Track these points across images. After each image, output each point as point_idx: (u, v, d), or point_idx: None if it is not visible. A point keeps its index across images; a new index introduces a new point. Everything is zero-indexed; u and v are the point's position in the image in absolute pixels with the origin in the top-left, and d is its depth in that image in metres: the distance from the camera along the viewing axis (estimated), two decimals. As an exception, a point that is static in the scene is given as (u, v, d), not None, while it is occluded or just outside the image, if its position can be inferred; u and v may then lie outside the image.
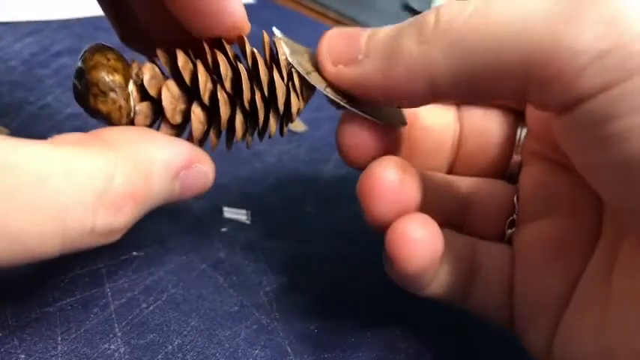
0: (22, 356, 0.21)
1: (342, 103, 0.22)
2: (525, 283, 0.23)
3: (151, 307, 0.24)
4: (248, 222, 0.31)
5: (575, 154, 0.19)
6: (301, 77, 0.22)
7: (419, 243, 0.20)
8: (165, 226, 0.29)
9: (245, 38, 0.23)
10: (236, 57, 0.22)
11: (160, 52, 0.22)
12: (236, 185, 0.33)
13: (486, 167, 0.27)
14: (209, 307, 0.25)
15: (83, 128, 0.34)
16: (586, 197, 0.22)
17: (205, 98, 0.21)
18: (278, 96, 0.22)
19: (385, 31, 0.21)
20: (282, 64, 0.22)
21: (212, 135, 0.23)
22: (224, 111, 0.22)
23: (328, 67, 0.22)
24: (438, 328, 0.27)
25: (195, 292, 0.26)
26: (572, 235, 0.23)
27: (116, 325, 0.23)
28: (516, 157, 0.26)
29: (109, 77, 0.20)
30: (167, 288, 0.25)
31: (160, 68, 0.22)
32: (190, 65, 0.22)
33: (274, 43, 0.23)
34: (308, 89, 0.23)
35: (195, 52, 0.22)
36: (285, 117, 0.23)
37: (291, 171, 0.36)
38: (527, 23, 0.17)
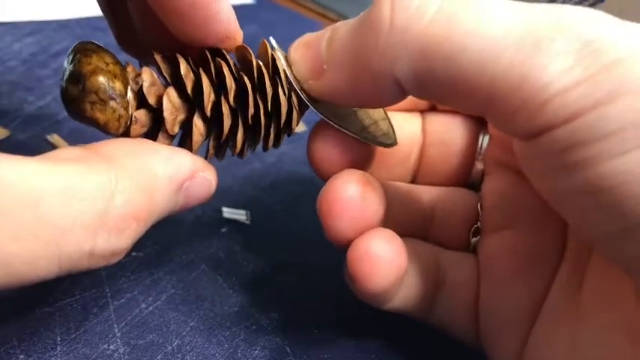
0: (22, 356, 0.21)
1: (330, 122, 0.22)
2: (490, 295, 0.23)
3: (151, 308, 0.24)
4: (247, 222, 0.31)
5: (537, 180, 0.18)
6: (297, 93, 0.22)
7: (382, 261, 0.20)
8: (164, 227, 0.29)
9: (250, 50, 0.22)
10: (237, 67, 0.22)
11: (158, 58, 0.21)
12: (236, 185, 0.33)
13: (449, 176, 0.26)
14: (208, 307, 0.25)
15: (82, 129, 0.34)
16: (550, 209, 0.22)
17: (208, 109, 0.21)
18: (282, 112, 0.22)
19: (341, 33, 0.20)
20: (283, 78, 0.22)
21: (210, 148, 0.22)
22: (227, 124, 0.21)
23: (308, 84, 0.21)
24: (437, 331, 0.27)
25: (195, 293, 0.26)
26: (537, 246, 0.22)
27: (115, 325, 0.23)
28: (479, 165, 0.26)
29: (109, 85, 0.19)
30: (166, 288, 0.25)
31: (156, 74, 0.21)
32: (192, 74, 0.21)
33: (273, 56, 0.22)
34: (302, 105, 0.22)
35: (194, 60, 0.22)
36: (286, 131, 0.23)
37: (290, 171, 0.36)
38: (494, 48, 0.16)
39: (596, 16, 0.16)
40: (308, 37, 0.21)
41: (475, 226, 0.25)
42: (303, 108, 0.23)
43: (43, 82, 0.37)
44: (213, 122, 0.21)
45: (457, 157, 0.26)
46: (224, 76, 0.21)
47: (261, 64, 0.22)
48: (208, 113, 0.21)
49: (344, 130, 0.22)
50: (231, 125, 0.21)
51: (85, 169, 0.16)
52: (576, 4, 0.31)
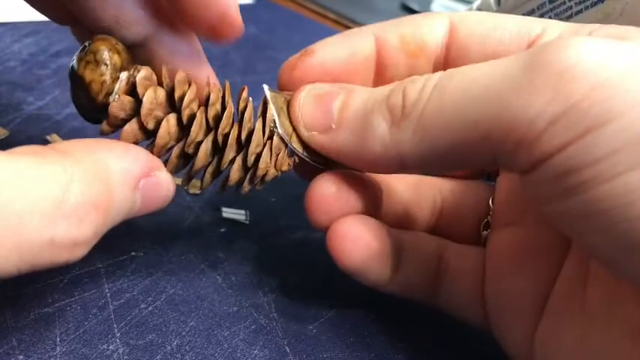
0: (21, 357, 0.21)
1: (319, 166, 0.24)
2: (496, 286, 0.24)
3: (150, 308, 0.24)
4: (247, 222, 0.31)
5: (542, 209, 0.19)
6: (283, 140, 0.23)
7: (350, 239, 0.23)
8: (163, 227, 0.29)
9: (246, 88, 0.23)
10: (230, 97, 0.23)
11: (163, 67, 0.22)
12: (235, 185, 0.33)
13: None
14: (208, 307, 0.25)
15: (82, 128, 0.35)
16: None
17: (184, 114, 0.22)
18: (252, 145, 0.22)
19: (358, 101, 0.22)
20: (268, 122, 0.23)
21: (173, 155, 0.22)
22: (195, 131, 0.22)
23: (302, 131, 0.23)
24: (436, 329, 0.27)
25: (194, 293, 0.26)
26: (543, 241, 0.23)
27: (115, 325, 0.23)
28: None
29: (108, 52, 0.20)
30: (166, 288, 0.25)
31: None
32: (186, 86, 0.22)
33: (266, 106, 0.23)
34: (284, 164, 0.24)
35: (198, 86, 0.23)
36: (252, 174, 0.23)
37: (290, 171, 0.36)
38: (482, 102, 0.18)
39: (574, 42, 0.17)
40: (319, 89, 0.23)
41: (485, 220, 0.26)
42: (285, 165, 0.24)
43: (43, 83, 0.37)
44: (185, 132, 0.22)
45: None
46: (209, 92, 0.22)
47: (250, 99, 0.23)
48: (184, 117, 0.22)
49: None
50: (200, 138, 0.22)
51: (39, 160, 0.16)
52: (577, 4, 0.31)
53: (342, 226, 0.23)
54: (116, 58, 0.21)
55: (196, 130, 0.22)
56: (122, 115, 0.21)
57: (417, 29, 0.24)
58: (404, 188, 0.27)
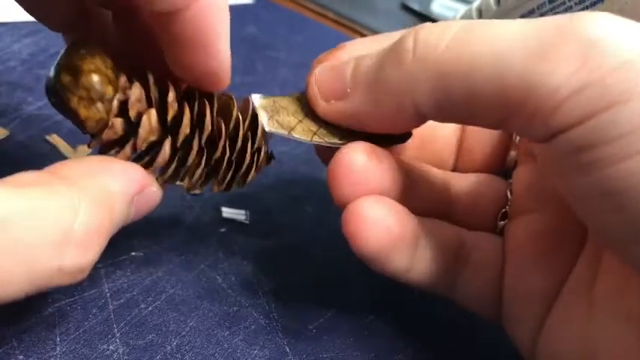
0: (21, 357, 0.21)
1: (332, 145, 0.23)
2: (514, 275, 0.23)
3: (150, 308, 0.24)
4: (247, 222, 0.31)
5: (557, 180, 0.19)
6: (267, 153, 0.25)
7: (370, 221, 0.21)
8: (163, 227, 0.29)
9: (234, 101, 0.23)
10: (217, 112, 0.23)
11: (151, 79, 0.22)
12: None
13: (485, 162, 0.27)
14: (208, 307, 0.25)
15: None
16: None
17: (179, 140, 0.22)
18: (243, 166, 0.23)
19: (368, 60, 0.21)
20: (259, 134, 0.23)
21: (168, 171, 0.23)
22: (192, 159, 0.22)
23: (320, 103, 0.23)
24: (436, 329, 0.27)
25: (194, 293, 0.26)
26: (561, 231, 0.23)
27: (115, 325, 0.23)
28: (513, 153, 0.27)
29: (102, 87, 0.20)
30: (166, 288, 0.25)
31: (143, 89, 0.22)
32: (176, 105, 0.22)
33: (255, 114, 0.24)
34: (264, 163, 0.25)
35: (181, 91, 0.23)
36: (239, 182, 0.24)
37: (290, 171, 0.36)
38: (503, 59, 0.17)
39: (603, 18, 0.17)
40: (332, 61, 0.23)
41: (503, 210, 0.26)
42: (262, 165, 0.25)
43: (43, 83, 0.36)
44: (178, 153, 0.22)
45: (494, 145, 0.27)
46: (204, 116, 0.22)
47: (240, 117, 0.23)
48: (178, 144, 0.22)
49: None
50: (196, 163, 0.23)
51: (48, 192, 0.17)
52: (577, 4, 0.31)
53: (361, 206, 0.21)
54: (109, 90, 0.21)
55: (193, 158, 0.22)
56: (114, 137, 0.21)
57: None
58: (421, 176, 0.26)
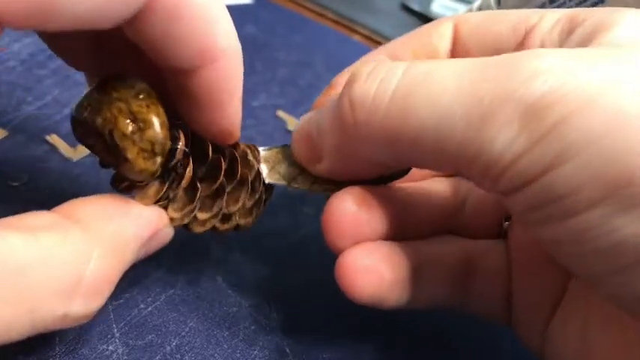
0: (20, 357, 0.21)
1: (330, 192, 0.23)
2: (521, 279, 0.23)
3: (150, 308, 0.24)
4: (246, 222, 0.31)
5: (525, 227, 0.19)
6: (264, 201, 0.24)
7: (362, 271, 0.21)
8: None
9: (255, 152, 0.24)
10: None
11: (184, 131, 0.21)
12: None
13: None
14: (207, 307, 0.25)
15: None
16: None
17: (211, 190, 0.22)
18: (253, 214, 0.24)
19: (326, 119, 0.21)
20: (260, 186, 0.23)
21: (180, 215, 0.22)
22: (215, 210, 0.22)
23: (310, 168, 0.23)
24: (436, 329, 0.27)
25: (194, 293, 0.26)
26: None
27: (114, 325, 0.23)
28: None
29: (166, 141, 0.19)
30: (165, 289, 0.25)
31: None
32: (212, 156, 0.22)
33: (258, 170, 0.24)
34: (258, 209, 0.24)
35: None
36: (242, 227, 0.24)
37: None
38: (444, 126, 0.17)
39: (552, 62, 0.16)
40: (303, 125, 0.23)
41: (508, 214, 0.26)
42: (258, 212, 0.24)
43: (42, 83, 0.37)
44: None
45: None
46: (236, 169, 0.22)
47: (260, 170, 0.23)
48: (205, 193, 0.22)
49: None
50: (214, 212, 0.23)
51: (62, 238, 0.17)
52: (577, 4, 0.31)
53: (351, 256, 0.21)
54: (168, 143, 0.20)
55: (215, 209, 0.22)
56: (157, 196, 0.21)
57: (427, 39, 0.24)
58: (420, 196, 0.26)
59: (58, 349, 0.21)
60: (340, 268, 0.21)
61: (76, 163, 0.31)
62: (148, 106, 0.19)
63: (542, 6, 0.32)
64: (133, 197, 0.20)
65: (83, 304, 0.17)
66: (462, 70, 0.17)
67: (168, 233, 0.22)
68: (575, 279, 0.22)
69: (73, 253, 0.17)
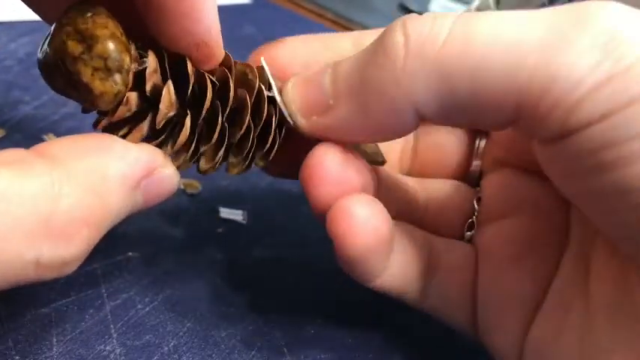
0: (17, 358, 0.21)
1: None
2: (490, 279, 0.23)
3: (147, 308, 0.24)
4: (244, 222, 0.31)
5: (563, 181, 0.18)
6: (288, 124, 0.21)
7: (358, 220, 0.19)
8: (160, 227, 0.29)
9: (254, 69, 0.21)
10: (237, 82, 0.21)
11: (164, 50, 0.19)
12: (232, 185, 0.33)
13: (443, 177, 0.26)
14: (205, 308, 0.25)
15: (79, 128, 0.34)
16: (551, 199, 0.22)
17: (201, 116, 0.20)
18: (268, 141, 0.21)
19: (347, 65, 0.19)
20: (280, 105, 0.21)
21: (187, 156, 0.21)
22: (215, 137, 0.20)
23: (300, 121, 0.20)
24: (435, 329, 0.27)
25: (191, 293, 0.26)
26: (538, 235, 0.22)
27: (112, 326, 0.23)
28: (476, 163, 0.26)
29: (121, 56, 0.17)
30: (163, 289, 0.25)
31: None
32: (194, 77, 0.19)
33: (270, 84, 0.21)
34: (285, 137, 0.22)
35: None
36: (261, 159, 0.22)
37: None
38: (516, 52, 0.16)
39: (617, 7, 0.16)
40: (304, 74, 0.21)
41: (470, 220, 0.25)
42: (285, 142, 0.22)
43: (40, 82, 0.36)
44: (197, 130, 0.20)
45: (452, 159, 0.26)
46: (229, 88, 0.20)
47: (262, 87, 0.21)
48: (200, 120, 0.20)
49: None
50: (217, 140, 0.20)
51: (23, 173, 0.15)
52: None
53: (349, 204, 0.19)
54: (127, 59, 0.17)
55: (216, 136, 0.20)
56: (128, 114, 0.19)
57: None
58: (388, 183, 0.25)
59: (55, 349, 0.21)
60: (335, 216, 0.20)
61: (74, 163, 0.31)
62: (94, 21, 0.17)
63: (542, 6, 0.32)
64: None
65: (54, 247, 0.15)
66: (531, 12, 0.16)
67: (168, 176, 0.19)
68: (561, 282, 0.21)
69: (37, 189, 0.15)
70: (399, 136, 0.20)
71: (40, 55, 0.18)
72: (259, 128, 0.21)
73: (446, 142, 0.26)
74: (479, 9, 0.41)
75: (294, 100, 0.20)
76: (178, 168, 0.20)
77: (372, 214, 0.20)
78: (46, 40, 0.18)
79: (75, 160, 0.16)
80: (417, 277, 0.23)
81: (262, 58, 0.21)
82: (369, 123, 0.19)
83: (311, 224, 0.32)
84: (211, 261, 0.28)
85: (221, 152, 0.21)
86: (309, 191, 0.20)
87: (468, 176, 0.26)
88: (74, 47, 0.17)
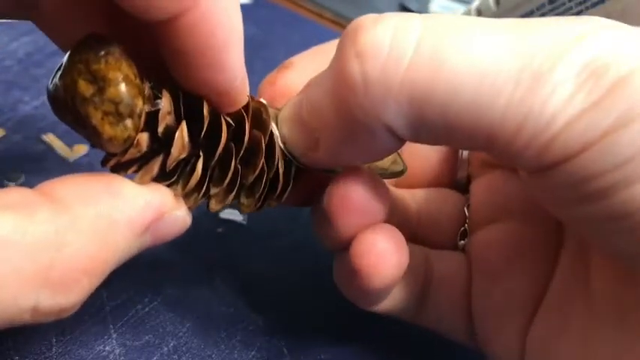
0: (16, 358, 0.21)
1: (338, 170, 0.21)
2: (485, 286, 0.23)
3: (147, 309, 0.24)
4: (244, 222, 0.31)
5: (554, 209, 0.18)
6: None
7: (386, 255, 0.19)
8: (161, 227, 0.29)
9: (267, 108, 0.20)
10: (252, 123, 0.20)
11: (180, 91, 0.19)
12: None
13: (430, 186, 0.26)
14: (205, 308, 0.25)
15: (78, 128, 0.34)
16: None
17: (214, 158, 0.19)
18: (279, 186, 0.21)
19: (317, 94, 0.18)
20: (278, 152, 0.20)
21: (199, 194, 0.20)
22: (228, 180, 0.20)
23: (303, 160, 0.20)
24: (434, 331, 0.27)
25: (191, 294, 0.26)
26: (530, 238, 0.22)
27: (111, 326, 0.23)
28: (463, 171, 0.26)
29: (134, 100, 0.16)
30: (163, 289, 0.25)
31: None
32: (209, 118, 0.19)
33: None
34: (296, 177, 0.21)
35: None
36: (273, 202, 0.22)
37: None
38: (490, 87, 0.15)
39: (594, 27, 0.15)
40: (289, 109, 0.20)
41: (462, 228, 0.25)
42: (296, 181, 0.21)
43: (39, 82, 0.36)
44: (209, 172, 0.20)
45: (438, 166, 0.26)
46: (244, 129, 0.19)
47: (274, 130, 0.20)
48: (213, 162, 0.19)
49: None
50: (229, 182, 0.20)
51: (27, 218, 0.14)
52: (578, 5, 0.31)
53: (374, 237, 0.19)
54: (139, 103, 0.17)
55: (228, 178, 0.19)
56: (138, 155, 0.18)
57: None
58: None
59: (54, 349, 0.21)
60: (360, 250, 0.19)
61: (73, 163, 0.30)
62: (107, 62, 0.16)
63: (542, 6, 0.32)
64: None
65: (52, 296, 0.15)
66: (502, 27, 0.15)
67: (180, 217, 0.19)
68: (559, 284, 0.21)
69: (41, 237, 0.14)
70: (391, 153, 0.19)
71: (50, 86, 0.17)
72: (272, 172, 0.20)
73: (430, 149, 0.26)
74: (479, 9, 0.41)
75: (290, 145, 0.20)
76: (189, 208, 0.20)
77: (395, 247, 0.20)
78: (57, 72, 0.17)
79: (82, 205, 0.16)
80: (414, 295, 0.23)
81: (262, 99, 0.21)
82: (357, 148, 0.18)
83: (309, 225, 0.32)
84: (211, 261, 0.28)
85: (232, 194, 0.20)
86: (334, 222, 0.20)
87: (457, 182, 0.26)
88: (85, 88, 0.16)
